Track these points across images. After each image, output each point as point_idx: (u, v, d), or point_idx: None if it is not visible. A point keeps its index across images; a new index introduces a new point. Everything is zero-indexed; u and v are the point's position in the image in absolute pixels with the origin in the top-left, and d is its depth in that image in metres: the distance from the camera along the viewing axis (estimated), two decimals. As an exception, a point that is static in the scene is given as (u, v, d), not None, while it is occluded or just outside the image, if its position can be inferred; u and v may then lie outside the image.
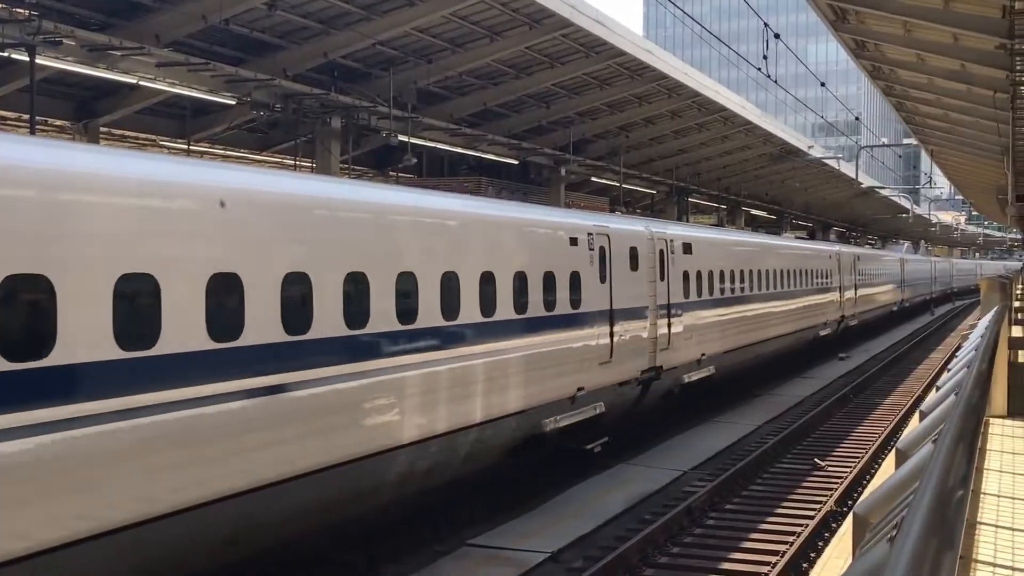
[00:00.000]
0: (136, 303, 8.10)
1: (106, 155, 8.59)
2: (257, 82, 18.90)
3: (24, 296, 7.33)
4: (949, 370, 9.46)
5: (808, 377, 29.98)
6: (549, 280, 14.27)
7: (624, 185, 34.95)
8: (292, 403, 9.39)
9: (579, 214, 17.63)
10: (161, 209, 8.38)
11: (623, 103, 28.88)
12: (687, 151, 37.24)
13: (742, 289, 23.74)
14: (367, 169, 28.46)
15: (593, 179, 35.23)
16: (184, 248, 8.53)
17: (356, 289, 10.39)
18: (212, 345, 8.63)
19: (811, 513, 13.92)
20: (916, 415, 9.69)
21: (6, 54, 14.97)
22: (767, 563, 11.77)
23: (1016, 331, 18.52)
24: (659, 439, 19.24)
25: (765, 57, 23.15)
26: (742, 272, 23.80)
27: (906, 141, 57.33)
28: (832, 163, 45.61)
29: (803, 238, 45.38)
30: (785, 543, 12.50)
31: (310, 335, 9.68)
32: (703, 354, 20.56)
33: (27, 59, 15.15)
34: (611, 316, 16.18)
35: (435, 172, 30.30)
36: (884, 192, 61.24)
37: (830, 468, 17.08)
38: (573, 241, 15.20)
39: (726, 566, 11.78)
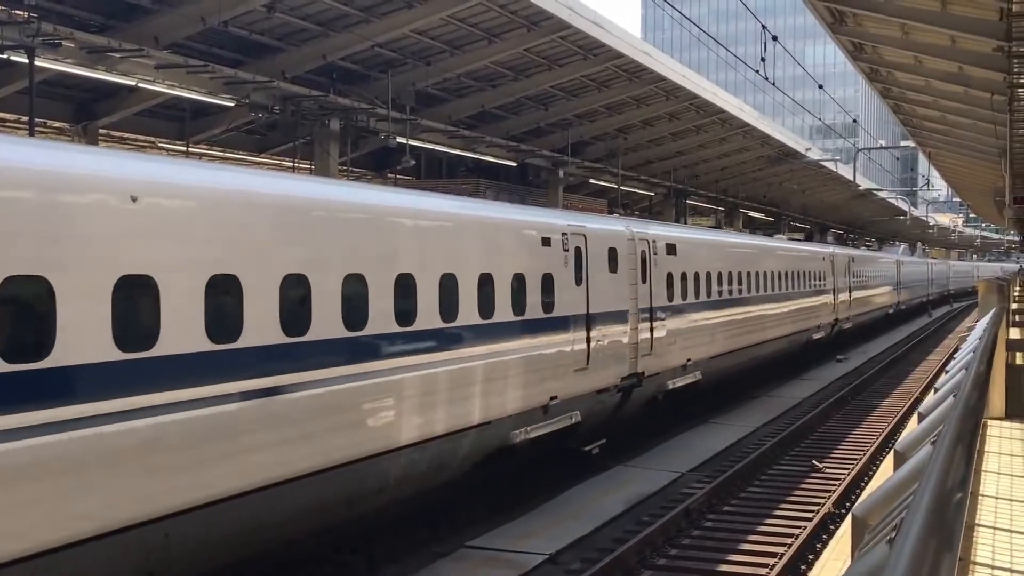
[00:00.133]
0: (27, 310, 7.26)
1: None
2: (256, 84, 18.92)
3: None
4: (947, 372, 9.47)
5: (806, 379, 30.00)
6: (518, 283, 13.48)
7: (622, 187, 34.97)
8: (213, 420, 8.52)
9: (553, 213, 16.69)
10: (60, 204, 7.47)
11: (621, 105, 28.90)
12: (685, 153, 37.27)
13: (730, 292, 23.03)
14: (366, 171, 28.47)
15: (591, 181, 35.26)
16: (87, 248, 7.62)
17: (295, 293, 9.56)
18: (120, 356, 7.75)
19: (809, 515, 13.93)
20: (914, 417, 9.71)
21: (5, 56, 14.97)
22: (765, 565, 11.78)
23: (1014, 333, 18.54)
24: (657, 440, 19.25)
25: (763, 59, 23.19)
26: (730, 274, 23.08)
27: (904, 143, 57.38)
28: (830, 165, 45.67)
29: (796, 239, 45.09)
30: (783, 545, 12.51)
31: (241, 343, 8.84)
32: (689, 360, 19.88)
33: (26, 61, 15.16)
34: (588, 320, 15.42)
35: (434, 174, 30.32)
36: (882, 194, 61.33)
37: (828, 470, 17.10)
38: (546, 241, 14.42)
39: (724, 568, 11.79)
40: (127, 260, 7.90)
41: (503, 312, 12.98)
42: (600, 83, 26.43)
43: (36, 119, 17.44)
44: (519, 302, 13.42)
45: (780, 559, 11.91)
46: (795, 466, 17.53)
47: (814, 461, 17.65)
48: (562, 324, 14.63)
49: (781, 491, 15.58)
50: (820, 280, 32.98)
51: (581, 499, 14.78)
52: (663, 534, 12.84)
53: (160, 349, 8.08)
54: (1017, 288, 36.57)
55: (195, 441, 8.39)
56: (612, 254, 16.48)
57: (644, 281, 17.66)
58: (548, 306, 14.24)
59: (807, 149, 42.76)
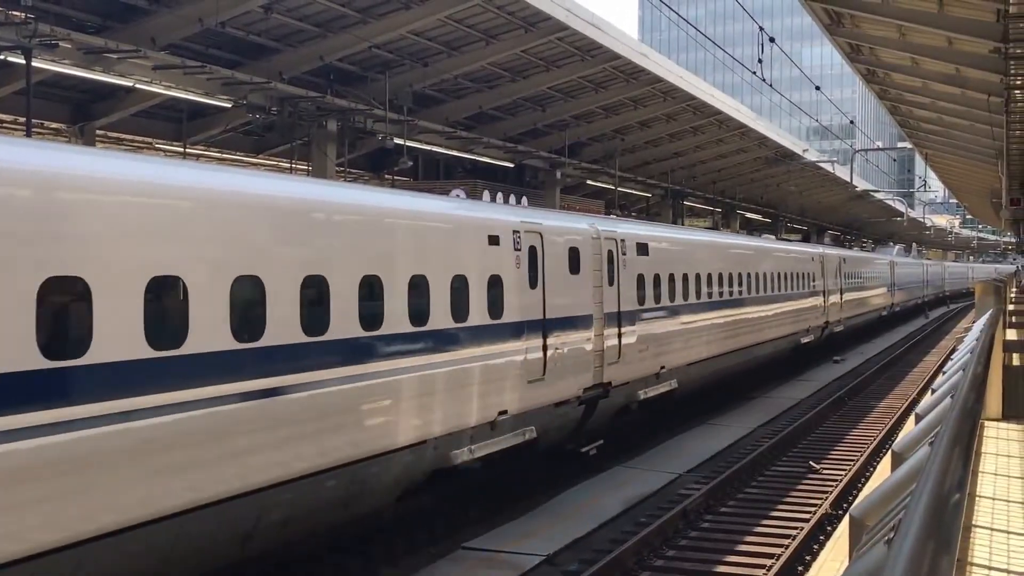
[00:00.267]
0: None
1: None
2: (253, 85, 18.93)
3: None
4: (944, 373, 9.48)
5: (803, 380, 30.02)
6: (459, 285, 12.08)
7: (619, 188, 35.00)
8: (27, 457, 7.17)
9: (504, 209, 14.97)
10: None
11: (618, 106, 28.95)
12: (682, 154, 37.33)
13: (710, 294, 21.59)
14: (363, 172, 28.48)
15: (589, 182, 35.30)
16: None
17: (165, 298, 8.16)
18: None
19: (807, 516, 13.94)
20: (912, 418, 9.72)
21: (2, 57, 14.99)
22: (762, 566, 11.79)
23: (1011, 334, 18.59)
24: (655, 441, 19.26)
25: (760, 61, 23.23)
26: (710, 276, 21.64)
27: (901, 145, 57.40)
28: (827, 167, 45.76)
29: (786, 239, 44.58)
30: (781, 546, 12.52)
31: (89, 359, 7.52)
32: (663, 367, 18.52)
33: (23, 62, 15.16)
34: (544, 326, 14.03)
35: (431, 176, 30.35)
36: (879, 196, 61.46)
37: (825, 471, 17.11)
38: (493, 240, 13.02)
39: (721, 569, 11.80)
40: None
41: (440, 319, 11.66)
42: (597, 84, 26.46)
43: (33, 120, 17.44)
44: (460, 307, 12.08)
45: (777, 560, 11.91)
46: (792, 467, 17.53)
47: (811, 462, 17.66)
48: (513, 331, 13.29)
49: (778, 492, 15.58)
50: (809, 281, 32.04)
51: (579, 500, 14.78)
52: (661, 535, 12.84)
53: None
54: (1014, 289, 36.62)
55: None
56: (574, 254, 15.15)
57: (612, 283, 16.37)
58: (496, 311, 12.87)
59: (804, 150, 42.86)
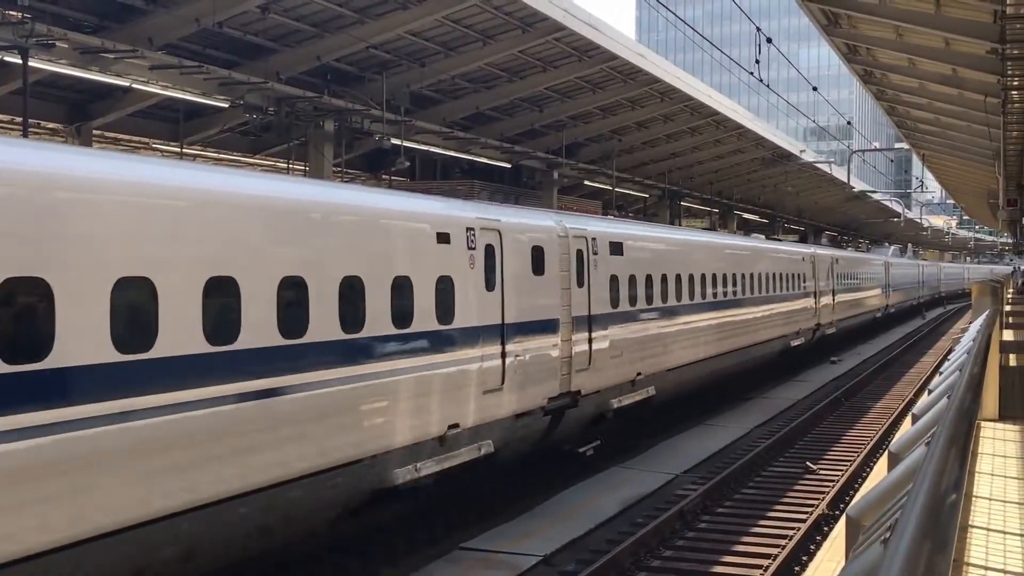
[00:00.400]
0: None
1: None
2: (250, 85, 18.92)
3: None
4: (941, 373, 9.49)
5: (800, 380, 30.04)
6: (401, 288, 11.08)
7: (617, 189, 35.01)
8: None
9: (456, 204, 13.27)
10: None
11: (615, 107, 28.95)
12: (679, 155, 37.34)
13: (691, 296, 20.43)
14: (360, 172, 28.48)
15: (586, 183, 35.31)
16: None
17: (42, 302, 7.31)
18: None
19: (803, 516, 13.95)
20: (908, 418, 9.73)
21: (-1, 57, 14.98)
22: (759, 566, 11.80)
23: (1007, 335, 18.60)
24: (652, 442, 19.27)
25: (757, 61, 23.25)
26: (691, 276, 20.47)
27: (898, 145, 57.43)
28: (824, 167, 45.77)
29: (776, 238, 43.78)
30: (777, 546, 12.53)
31: None
32: (639, 374, 17.47)
33: (20, 62, 15.14)
34: (503, 332, 13.01)
35: (428, 176, 30.35)
36: (876, 196, 61.51)
37: (822, 471, 17.12)
38: (443, 237, 11.99)
39: (718, 569, 11.81)
40: None
41: (376, 325, 10.60)
42: (595, 85, 26.47)
43: (30, 120, 17.43)
44: (401, 312, 11.03)
45: (774, 560, 11.92)
46: (789, 468, 17.54)
47: (808, 462, 17.67)
48: (466, 337, 12.21)
49: (775, 492, 15.60)
50: (799, 282, 31.05)
51: (576, 500, 14.78)
52: (658, 535, 12.85)
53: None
54: (1010, 290, 36.64)
55: None
56: (537, 253, 14.08)
57: (581, 285, 15.29)
58: (446, 316, 11.85)
59: (801, 151, 42.87)
